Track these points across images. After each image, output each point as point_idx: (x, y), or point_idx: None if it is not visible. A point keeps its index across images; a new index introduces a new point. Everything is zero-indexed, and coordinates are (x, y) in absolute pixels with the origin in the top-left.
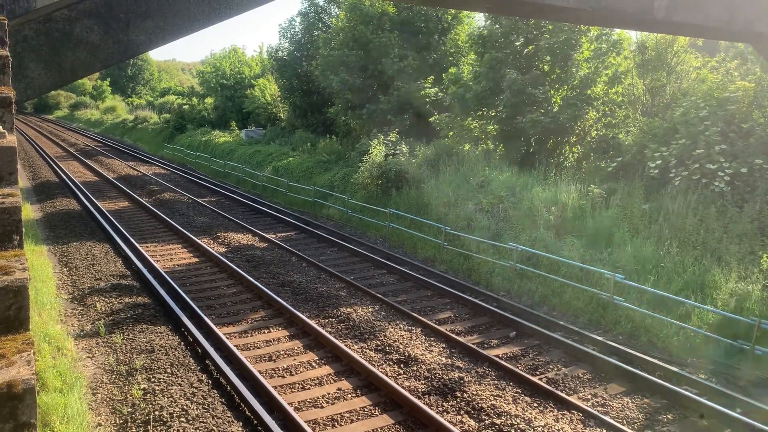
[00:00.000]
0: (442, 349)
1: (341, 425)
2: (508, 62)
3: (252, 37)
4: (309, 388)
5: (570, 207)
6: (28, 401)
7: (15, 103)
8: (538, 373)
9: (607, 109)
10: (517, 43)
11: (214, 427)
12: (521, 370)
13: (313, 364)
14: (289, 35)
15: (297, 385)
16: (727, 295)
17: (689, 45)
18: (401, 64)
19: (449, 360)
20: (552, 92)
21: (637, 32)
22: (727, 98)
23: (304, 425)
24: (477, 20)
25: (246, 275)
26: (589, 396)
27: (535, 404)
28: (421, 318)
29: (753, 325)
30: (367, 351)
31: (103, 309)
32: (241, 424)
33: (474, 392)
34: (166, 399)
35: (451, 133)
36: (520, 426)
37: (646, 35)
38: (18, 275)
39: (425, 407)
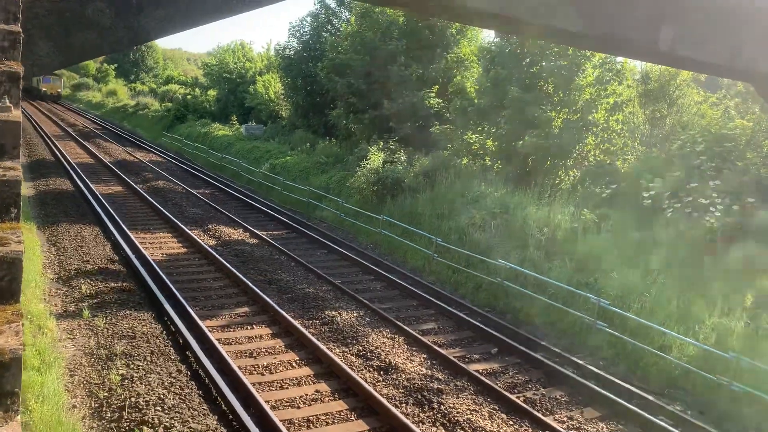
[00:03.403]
0: (423, 360)
1: (316, 427)
2: (513, 80)
3: (261, 32)
4: (287, 388)
5: (562, 229)
6: (13, 370)
7: (22, 78)
8: (516, 391)
9: (606, 135)
10: (524, 62)
11: (189, 418)
12: (500, 386)
13: (294, 364)
14: (298, 35)
15: (275, 383)
16: (709, 329)
17: (692, 80)
18: (406, 73)
19: (429, 371)
20: (553, 114)
21: (641, 62)
22: (725, 135)
23: (279, 424)
24: (484, 35)
25: (234, 270)
26: (565, 418)
27: (511, 422)
28: (405, 327)
29: (732, 361)
30: (349, 355)
31: (88, 291)
32: (216, 417)
33: (451, 405)
34: (144, 386)
35: (450, 146)
36: None
37: (651, 66)
38: (13, 247)
39: (401, 416)
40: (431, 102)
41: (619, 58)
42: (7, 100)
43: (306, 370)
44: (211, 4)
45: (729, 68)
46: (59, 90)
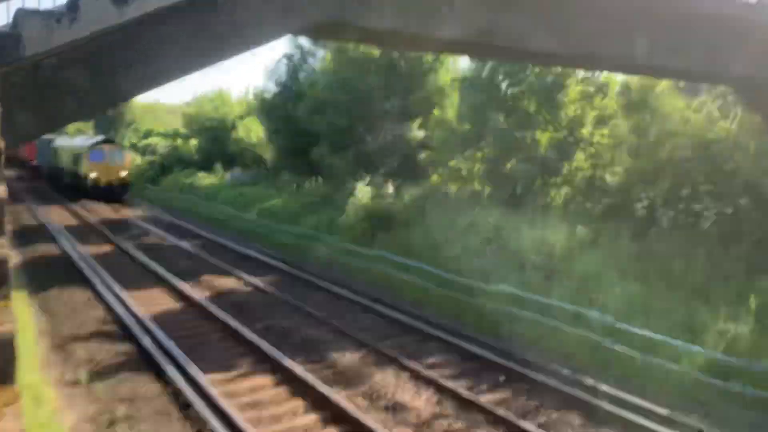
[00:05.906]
0: (430, 395)
1: None
2: (493, 105)
3: (237, 76)
4: None
5: (558, 248)
6: None
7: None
8: (528, 418)
9: (594, 150)
10: (504, 84)
11: None
12: (512, 415)
13: (300, 411)
14: (275, 77)
15: None
16: (716, 336)
17: (671, 87)
18: (387, 106)
19: (438, 406)
20: (539, 133)
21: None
22: (711, 140)
23: None
24: (462, 61)
25: (229, 320)
26: None
27: None
28: (408, 363)
29: (743, 367)
30: (354, 397)
31: (84, 357)
32: None
33: None
34: None
35: (439, 173)
36: None
37: (630, 77)
38: (5, 328)
39: None
40: (415, 134)
41: (605, 72)
42: None
43: (312, 417)
44: (187, 58)
45: (706, 73)
46: (124, 173)
